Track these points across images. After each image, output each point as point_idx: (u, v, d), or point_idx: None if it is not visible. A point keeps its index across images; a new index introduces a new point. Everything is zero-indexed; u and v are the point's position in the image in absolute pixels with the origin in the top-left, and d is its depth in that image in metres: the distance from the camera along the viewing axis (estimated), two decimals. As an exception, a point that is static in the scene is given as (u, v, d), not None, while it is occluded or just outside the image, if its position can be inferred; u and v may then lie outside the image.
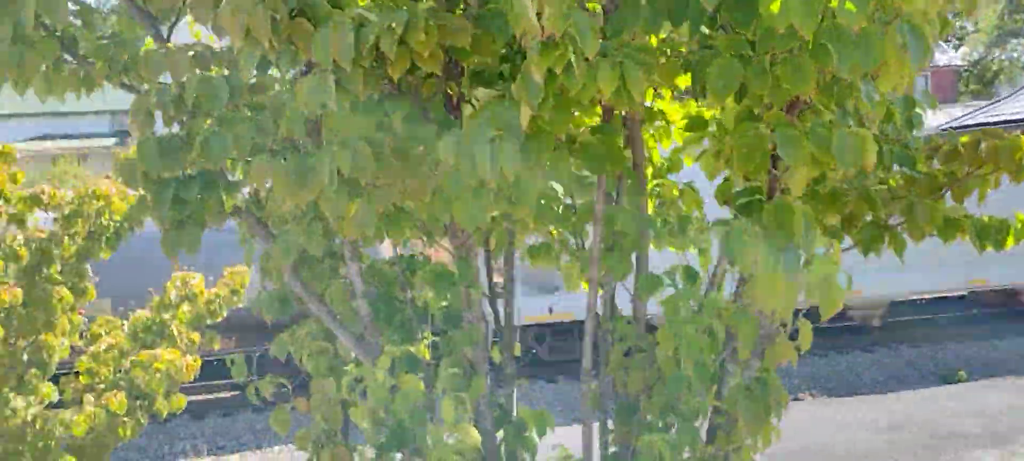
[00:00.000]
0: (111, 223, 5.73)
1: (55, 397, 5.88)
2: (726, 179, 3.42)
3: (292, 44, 2.33)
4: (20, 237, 5.45)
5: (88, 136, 40.81)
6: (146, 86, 3.50)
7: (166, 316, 6.01)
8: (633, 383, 3.17)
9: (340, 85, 2.30)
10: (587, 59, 1.96)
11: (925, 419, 10.80)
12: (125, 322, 6.26)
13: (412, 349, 3.34)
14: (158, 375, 5.46)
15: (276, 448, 11.94)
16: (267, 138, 2.85)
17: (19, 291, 5.05)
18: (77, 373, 5.96)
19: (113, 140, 39.07)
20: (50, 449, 5.41)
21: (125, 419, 5.60)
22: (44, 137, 39.27)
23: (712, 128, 3.24)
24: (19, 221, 5.39)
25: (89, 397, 5.47)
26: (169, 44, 3.19)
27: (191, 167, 3.13)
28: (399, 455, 3.32)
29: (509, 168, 1.98)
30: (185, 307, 5.96)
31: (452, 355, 3.15)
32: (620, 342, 3.21)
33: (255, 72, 2.96)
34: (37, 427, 5.38)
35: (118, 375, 5.91)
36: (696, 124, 3.40)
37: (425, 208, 2.43)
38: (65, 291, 5.32)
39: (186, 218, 3.21)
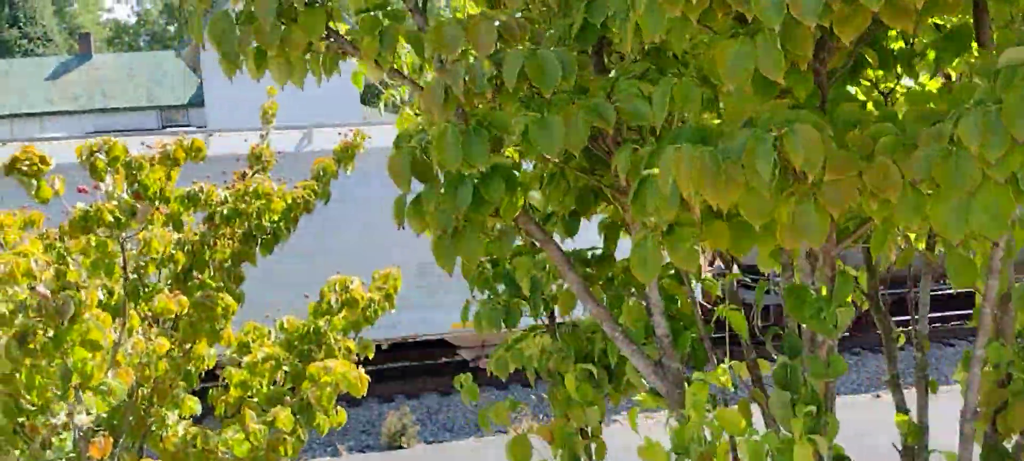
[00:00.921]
0: (269, 224, 5.28)
1: (198, 411, 5.45)
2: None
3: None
4: (174, 239, 5.01)
5: (137, 132, 41.19)
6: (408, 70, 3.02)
7: (321, 323, 5.55)
8: (1015, 420, 2.61)
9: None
10: None
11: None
12: (271, 329, 5.82)
13: (722, 377, 2.83)
14: (329, 389, 4.99)
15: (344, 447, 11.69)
16: (607, 126, 2.34)
17: (185, 299, 4.60)
18: (226, 385, 5.53)
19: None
20: (211, 470, 4.98)
21: (287, 436, 5.15)
22: (94, 133, 39.61)
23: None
24: (176, 222, 4.94)
25: (250, 413, 5.03)
26: (457, 14, 2.70)
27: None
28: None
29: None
30: (343, 313, 5.49)
31: (796, 389, 2.61)
32: (994, 369, 2.66)
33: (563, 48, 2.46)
34: (197, 446, 4.95)
35: (273, 388, 5.47)
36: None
37: (882, 210, 1.89)
38: (229, 298, 4.87)
39: (465, 223, 2.73)
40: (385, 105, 4.25)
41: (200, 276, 5.24)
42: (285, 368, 5.48)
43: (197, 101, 39.09)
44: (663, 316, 2.85)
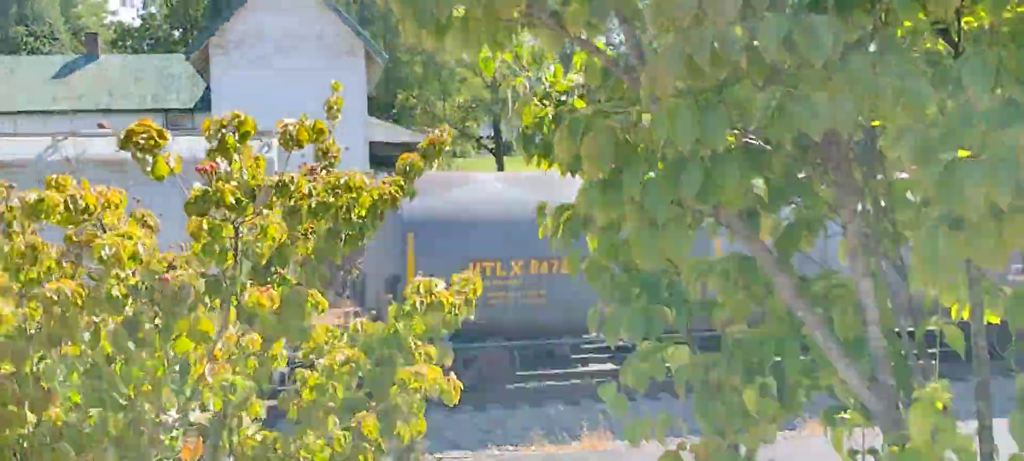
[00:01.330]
0: (357, 219, 5.00)
1: (263, 413, 5.15)
2: None
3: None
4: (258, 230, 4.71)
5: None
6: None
7: (400, 326, 5.26)
8: None
9: None
10: None
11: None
12: (344, 331, 5.53)
13: (945, 396, 2.56)
14: (418, 395, 4.70)
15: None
16: (883, 103, 2.09)
17: (276, 294, 4.31)
18: (296, 388, 5.23)
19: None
20: (289, 477, 4.68)
21: (366, 443, 4.86)
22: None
23: None
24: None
25: (333, 418, 4.74)
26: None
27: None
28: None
29: None
30: (427, 317, 5.20)
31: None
32: None
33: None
34: (277, 451, 4.66)
35: (348, 392, 5.17)
36: None
37: None
38: (319, 295, 4.58)
39: (674, 216, 2.47)
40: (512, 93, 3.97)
41: (281, 270, 4.95)
42: (360, 373, 5.19)
43: (203, 105, 38.87)
44: (879, 326, 2.58)
